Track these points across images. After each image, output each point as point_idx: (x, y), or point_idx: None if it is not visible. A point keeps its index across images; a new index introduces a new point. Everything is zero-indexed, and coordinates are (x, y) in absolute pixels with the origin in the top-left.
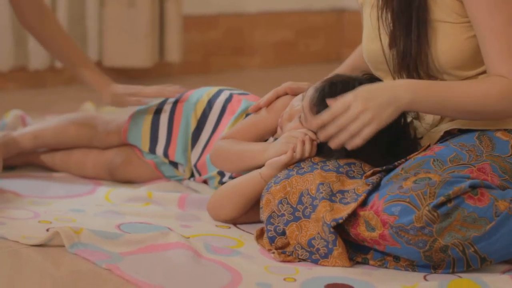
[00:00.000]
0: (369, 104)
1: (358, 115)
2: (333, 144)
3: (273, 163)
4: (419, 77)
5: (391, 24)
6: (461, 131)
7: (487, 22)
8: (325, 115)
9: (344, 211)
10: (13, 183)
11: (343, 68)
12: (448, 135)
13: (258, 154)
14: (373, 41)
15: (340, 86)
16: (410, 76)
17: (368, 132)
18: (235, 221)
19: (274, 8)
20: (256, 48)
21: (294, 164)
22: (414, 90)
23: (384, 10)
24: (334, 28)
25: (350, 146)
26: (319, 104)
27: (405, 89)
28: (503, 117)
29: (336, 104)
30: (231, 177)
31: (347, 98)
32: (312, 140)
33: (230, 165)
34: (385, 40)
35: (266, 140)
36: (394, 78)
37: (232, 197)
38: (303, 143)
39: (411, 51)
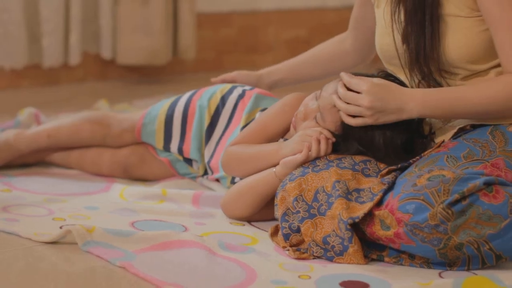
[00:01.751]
0: (375, 104)
1: (361, 105)
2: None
3: (288, 162)
4: (430, 72)
5: (403, 22)
6: (474, 126)
7: (500, 16)
8: (345, 77)
9: (360, 210)
10: (28, 181)
11: (299, 59)
12: (461, 130)
13: (271, 154)
14: (386, 37)
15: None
16: (421, 71)
17: (361, 122)
18: (249, 219)
19: (288, 6)
20: (270, 45)
21: (309, 162)
22: (423, 104)
23: (398, 7)
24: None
25: (345, 121)
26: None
27: (414, 104)
28: None
29: (352, 81)
30: None
31: (362, 85)
32: (327, 139)
33: (243, 169)
34: (398, 36)
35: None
36: (405, 73)
37: (246, 195)
38: (319, 141)
39: (424, 47)
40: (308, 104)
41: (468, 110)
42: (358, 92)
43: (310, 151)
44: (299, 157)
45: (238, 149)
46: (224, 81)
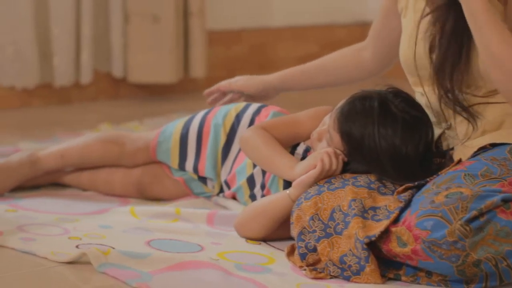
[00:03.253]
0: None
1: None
2: None
3: (301, 183)
4: (452, 88)
5: (439, 47)
6: (493, 145)
7: None
8: None
9: (376, 229)
10: (36, 202)
11: (314, 64)
12: (481, 149)
13: (284, 170)
14: (410, 47)
15: (358, 103)
16: (443, 86)
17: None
18: (264, 239)
19: (298, 23)
20: (281, 62)
21: (324, 180)
22: None
23: (433, 27)
24: (358, 41)
25: None
26: (341, 125)
27: None
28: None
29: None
30: (262, 186)
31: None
32: (337, 155)
33: (254, 159)
34: (425, 48)
35: (297, 145)
36: (423, 85)
37: (260, 218)
38: (329, 156)
39: (457, 73)
40: (325, 122)
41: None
42: None
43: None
44: (313, 172)
45: (258, 140)
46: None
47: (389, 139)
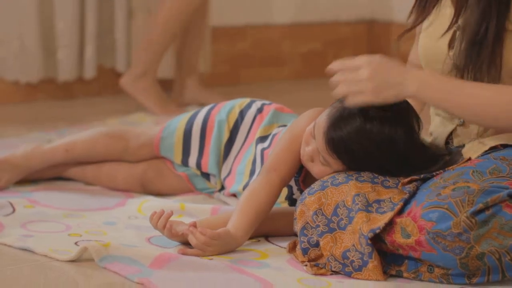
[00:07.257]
0: (376, 77)
1: (361, 80)
2: (335, 93)
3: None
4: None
5: (465, 51)
6: (504, 147)
7: None
8: (336, 65)
9: (381, 221)
10: (46, 196)
11: None
12: (492, 149)
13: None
14: (436, 40)
15: (346, 111)
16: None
17: (361, 100)
18: (268, 234)
19: (303, 19)
20: (285, 59)
21: (328, 175)
22: (422, 83)
23: (455, 27)
24: (363, 39)
25: (347, 103)
26: (328, 133)
27: (414, 80)
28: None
29: (350, 61)
30: None
31: (362, 60)
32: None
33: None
34: (445, 42)
35: None
36: None
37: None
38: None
39: (478, 74)
40: (309, 142)
41: (465, 106)
42: None
43: None
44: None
45: (252, 191)
46: None
47: (387, 139)
